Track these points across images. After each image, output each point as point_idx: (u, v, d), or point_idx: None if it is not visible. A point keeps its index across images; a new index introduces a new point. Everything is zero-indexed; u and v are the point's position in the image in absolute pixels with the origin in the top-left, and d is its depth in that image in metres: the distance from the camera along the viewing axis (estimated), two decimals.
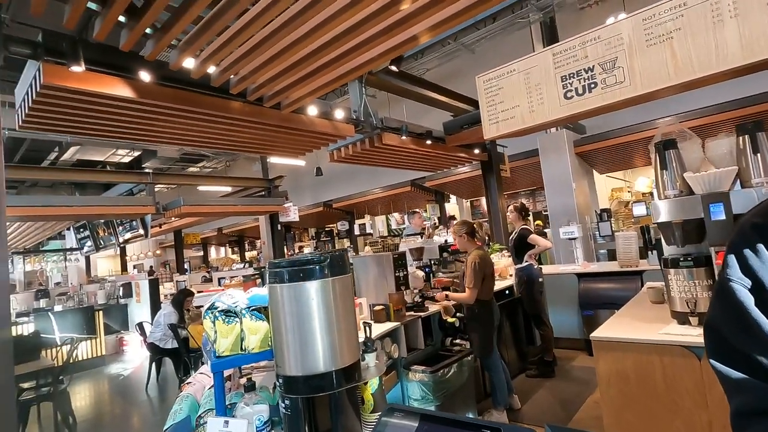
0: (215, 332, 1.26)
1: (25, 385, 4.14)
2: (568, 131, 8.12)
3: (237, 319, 1.27)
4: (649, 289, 2.86)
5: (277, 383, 1.14)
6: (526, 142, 7.23)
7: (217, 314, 1.27)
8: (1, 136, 2.22)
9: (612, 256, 7.54)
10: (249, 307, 1.29)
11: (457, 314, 3.61)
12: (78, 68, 2.50)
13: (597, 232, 8.01)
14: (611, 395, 2.15)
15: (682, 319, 2.17)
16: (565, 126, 7.90)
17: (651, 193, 10.82)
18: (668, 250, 2.35)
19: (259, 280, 3.15)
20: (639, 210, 9.78)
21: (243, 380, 1.32)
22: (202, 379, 1.89)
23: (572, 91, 2.95)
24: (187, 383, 1.84)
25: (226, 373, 1.58)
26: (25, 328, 6.89)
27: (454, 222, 4.66)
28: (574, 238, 5.46)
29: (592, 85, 2.86)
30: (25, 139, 9.69)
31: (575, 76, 2.94)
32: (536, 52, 3.17)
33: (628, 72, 2.71)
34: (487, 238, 3.58)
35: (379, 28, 2.81)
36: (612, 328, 2.32)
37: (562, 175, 8.01)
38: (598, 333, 2.24)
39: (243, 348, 1.26)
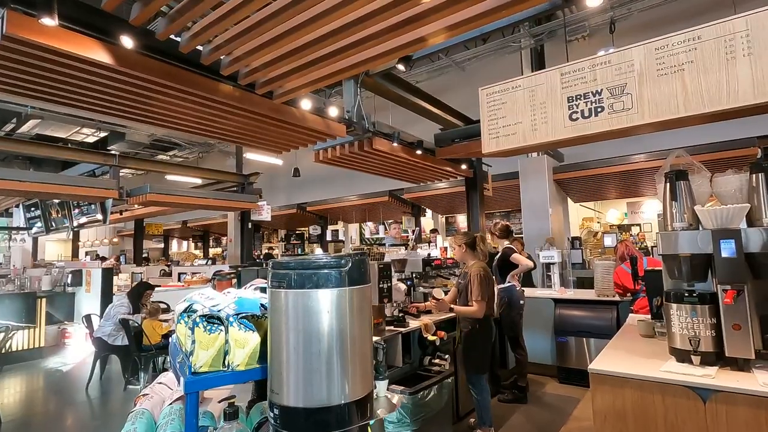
0: (193, 342, 1.02)
1: None
2: (549, 157, 8.24)
3: (221, 328, 1.04)
4: (640, 321, 2.79)
5: (270, 414, 0.91)
6: (507, 164, 7.26)
7: (197, 320, 1.04)
8: None
9: (581, 283, 7.65)
10: (237, 314, 1.06)
11: (437, 332, 3.45)
12: (50, 21, 2.19)
13: (568, 259, 8.14)
14: None
15: (681, 356, 2.08)
16: (546, 152, 8.02)
17: (618, 226, 11.22)
18: (669, 284, 2.28)
19: (235, 281, 2.86)
20: (609, 241, 10.07)
21: (221, 403, 1.08)
22: (160, 390, 1.62)
23: (578, 113, 2.89)
24: (143, 395, 1.56)
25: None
26: None
27: (456, 232, 4.56)
28: (554, 263, 5.43)
29: (599, 109, 2.80)
30: None
31: (582, 98, 2.88)
32: (543, 70, 3.09)
33: (636, 99, 2.67)
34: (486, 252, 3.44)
35: (387, 24, 2.66)
36: (608, 361, 2.21)
37: (539, 199, 8.09)
38: (597, 366, 2.12)
39: (226, 363, 1.03)
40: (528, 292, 5.50)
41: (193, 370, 1.01)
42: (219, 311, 1.07)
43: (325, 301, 0.87)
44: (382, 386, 1.13)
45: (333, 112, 3.90)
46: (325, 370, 0.86)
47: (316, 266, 0.88)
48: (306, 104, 3.68)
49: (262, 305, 1.12)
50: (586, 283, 7.39)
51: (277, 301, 0.91)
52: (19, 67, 2.59)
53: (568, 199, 9.58)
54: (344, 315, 0.88)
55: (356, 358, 0.89)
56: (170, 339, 1.31)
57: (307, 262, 0.90)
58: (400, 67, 3.22)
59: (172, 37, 2.64)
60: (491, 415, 3.34)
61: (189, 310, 1.10)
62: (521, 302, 4.34)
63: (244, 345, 1.03)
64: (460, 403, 3.75)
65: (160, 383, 1.67)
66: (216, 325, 1.05)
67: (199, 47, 2.84)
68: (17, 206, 11.17)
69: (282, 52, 2.86)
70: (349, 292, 0.89)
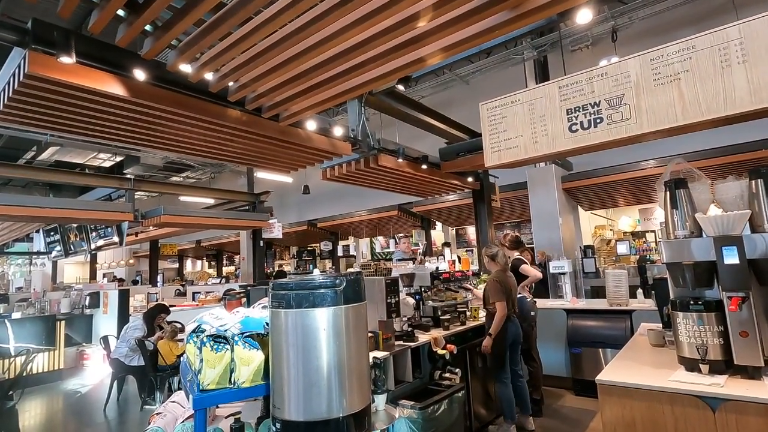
0: (201, 360, 1.08)
1: None
2: (557, 167, 8.22)
3: (227, 347, 1.10)
4: (650, 331, 2.76)
5: (273, 429, 0.96)
6: (515, 174, 7.27)
7: (205, 339, 1.10)
8: None
9: (595, 293, 7.53)
10: (242, 333, 1.12)
11: (447, 345, 3.46)
12: (68, 59, 2.34)
13: (580, 268, 8.02)
14: None
15: (690, 365, 2.07)
16: (554, 161, 8.00)
17: (632, 233, 11.04)
18: (675, 292, 2.28)
19: (245, 300, 2.93)
20: (622, 248, 9.92)
21: (228, 418, 1.13)
22: (173, 408, 1.68)
23: (577, 124, 2.92)
24: (157, 413, 1.62)
25: None
26: None
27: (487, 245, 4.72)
28: (564, 273, 5.39)
29: (598, 120, 2.83)
30: (1, 135, 9.31)
31: (581, 110, 2.91)
32: (542, 84, 3.14)
33: (634, 109, 2.69)
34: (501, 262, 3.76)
35: (388, 47, 2.76)
36: (617, 372, 2.20)
37: (549, 209, 8.04)
38: (604, 377, 2.11)
39: (232, 381, 1.08)
40: (539, 302, 5.46)
41: (201, 387, 1.07)
42: (225, 331, 1.13)
43: (322, 320, 0.92)
44: (381, 400, 1.17)
45: (338, 131, 4.00)
46: (323, 385, 0.91)
47: (313, 287, 0.93)
48: (311, 125, 3.79)
49: (266, 324, 1.18)
50: (600, 292, 7.28)
51: (277, 320, 0.97)
52: (39, 102, 2.75)
53: (579, 207, 9.49)
54: (340, 332, 0.93)
55: (353, 372, 0.94)
56: (181, 359, 1.37)
57: (303, 283, 0.95)
58: (400, 87, 3.31)
59: (182, 68, 2.77)
60: (514, 412, 3.59)
61: (198, 330, 1.16)
62: (532, 313, 4.31)
63: (249, 363, 1.08)
64: (473, 417, 3.73)
65: (173, 402, 1.73)
66: (222, 344, 1.11)
67: (208, 76, 2.97)
68: (37, 231, 11.50)
69: (287, 77, 2.98)
70: (344, 310, 0.94)
